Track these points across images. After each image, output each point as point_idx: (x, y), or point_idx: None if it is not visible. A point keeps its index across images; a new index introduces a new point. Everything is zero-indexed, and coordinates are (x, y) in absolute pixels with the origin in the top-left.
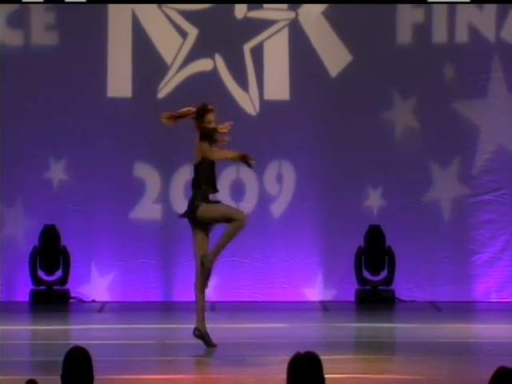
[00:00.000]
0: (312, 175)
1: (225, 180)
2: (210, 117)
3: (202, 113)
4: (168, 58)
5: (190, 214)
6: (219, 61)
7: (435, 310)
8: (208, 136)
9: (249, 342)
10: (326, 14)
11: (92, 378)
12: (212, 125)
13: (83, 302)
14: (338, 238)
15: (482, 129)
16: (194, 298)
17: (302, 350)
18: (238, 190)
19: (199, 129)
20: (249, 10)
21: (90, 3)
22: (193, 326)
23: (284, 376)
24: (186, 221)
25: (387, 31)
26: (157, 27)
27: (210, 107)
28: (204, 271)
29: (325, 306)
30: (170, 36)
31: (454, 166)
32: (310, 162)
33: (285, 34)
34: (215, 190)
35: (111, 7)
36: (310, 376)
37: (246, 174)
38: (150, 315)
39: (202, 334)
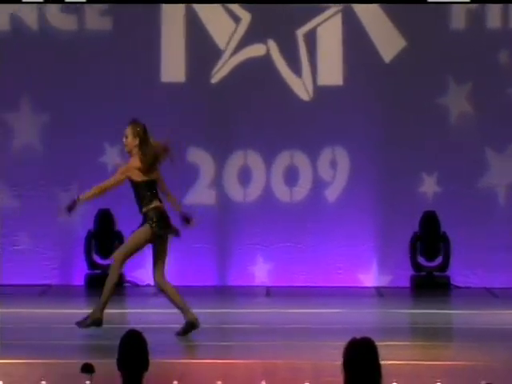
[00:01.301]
0: (366, 161)
1: (279, 166)
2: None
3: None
4: (221, 43)
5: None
6: (272, 46)
7: (491, 296)
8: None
9: (304, 327)
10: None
11: (147, 361)
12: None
13: (138, 286)
14: (393, 224)
15: None
16: (248, 283)
17: (358, 336)
18: (291, 175)
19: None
20: None
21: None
22: (248, 310)
23: (340, 362)
24: (239, 206)
25: (441, 17)
26: (210, 12)
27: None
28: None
29: (380, 292)
30: (223, 21)
31: (509, 151)
32: (364, 147)
33: (338, 19)
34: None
35: None
36: (366, 362)
37: (300, 160)
38: (204, 299)
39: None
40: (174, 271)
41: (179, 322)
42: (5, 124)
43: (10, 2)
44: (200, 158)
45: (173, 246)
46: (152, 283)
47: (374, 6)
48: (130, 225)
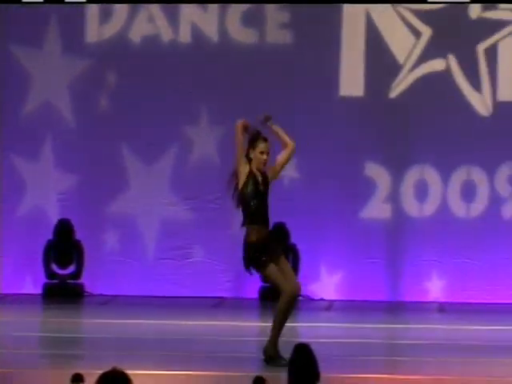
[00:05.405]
0: None
1: (456, 181)
2: (262, 146)
3: (254, 139)
4: (401, 58)
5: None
6: (452, 61)
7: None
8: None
9: (477, 344)
10: None
11: (318, 373)
12: (263, 156)
13: (312, 300)
14: None
15: None
16: (421, 299)
17: None
18: (468, 191)
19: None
20: (483, 10)
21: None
22: (419, 326)
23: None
24: (415, 221)
25: None
26: (390, 26)
27: (261, 136)
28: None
29: None
30: (403, 35)
31: None
32: None
33: None
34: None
35: (346, 7)
36: None
37: (477, 176)
38: (376, 314)
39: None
40: (347, 285)
41: (350, 337)
42: (184, 136)
43: (11, 2)
44: (377, 173)
45: (345, 260)
46: (325, 297)
47: None
48: (305, 239)
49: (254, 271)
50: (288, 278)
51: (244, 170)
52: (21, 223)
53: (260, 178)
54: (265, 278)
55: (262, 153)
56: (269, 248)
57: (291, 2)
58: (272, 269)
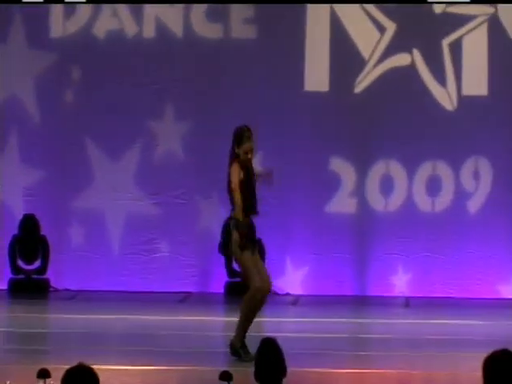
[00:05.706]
0: (510, 172)
1: (421, 175)
2: (246, 146)
3: (239, 137)
4: (365, 53)
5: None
6: (417, 56)
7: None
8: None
9: (442, 338)
10: None
11: (285, 368)
12: (248, 155)
13: (278, 294)
14: None
15: None
16: (387, 293)
17: (498, 348)
18: (433, 185)
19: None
20: (448, 5)
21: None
22: (385, 320)
23: (479, 373)
24: (380, 215)
25: None
26: (354, 21)
27: (247, 134)
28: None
29: None
30: (367, 30)
31: None
32: (509, 159)
33: (484, 29)
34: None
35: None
36: (508, 375)
37: (443, 170)
38: (343, 309)
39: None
40: (313, 280)
41: (317, 331)
42: (148, 132)
43: (11, 2)
44: (342, 168)
45: (312, 255)
46: (291, 292)
47: None
48: (271, 233)
49: (229, 253)
50: (262, 275)
51: (238, 170)
52: None
53: (250, 170)
54: (239, 265)
55: (246, 153)
56: (253, 237)
57: (256, 2)
58: (248, 257)
